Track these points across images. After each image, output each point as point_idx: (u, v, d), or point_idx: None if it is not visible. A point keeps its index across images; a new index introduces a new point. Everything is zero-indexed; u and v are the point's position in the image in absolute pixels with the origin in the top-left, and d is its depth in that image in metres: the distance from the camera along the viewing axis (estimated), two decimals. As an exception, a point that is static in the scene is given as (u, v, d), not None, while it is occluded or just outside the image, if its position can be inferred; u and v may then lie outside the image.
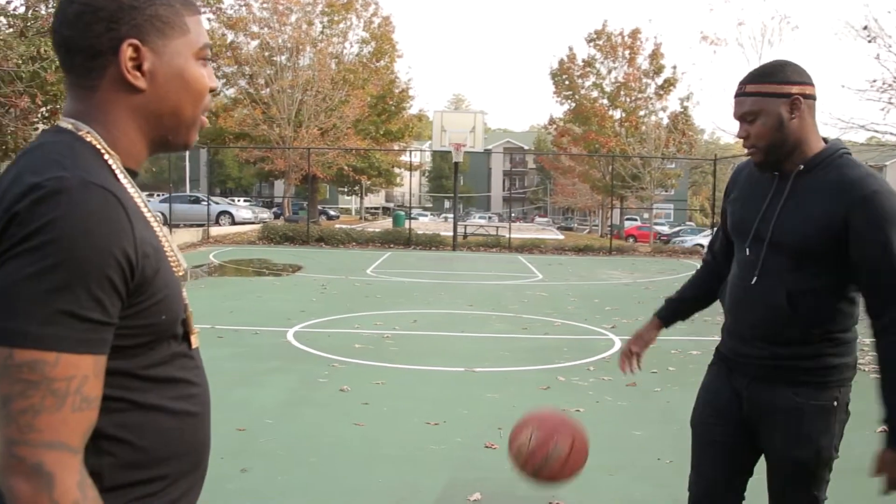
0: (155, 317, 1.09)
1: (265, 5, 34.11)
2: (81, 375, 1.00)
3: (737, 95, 2.24)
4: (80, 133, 1.11)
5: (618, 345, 8.70)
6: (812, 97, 2.20)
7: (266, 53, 34.39)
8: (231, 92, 37.71)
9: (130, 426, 1.10)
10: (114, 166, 1.12)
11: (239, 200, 47.22)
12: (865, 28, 13.68)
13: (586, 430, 2.30)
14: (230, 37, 34.77)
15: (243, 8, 34.25)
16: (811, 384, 2.22)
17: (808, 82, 2.19)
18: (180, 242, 22.41)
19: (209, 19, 33.82)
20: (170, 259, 1.15)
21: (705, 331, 8.25)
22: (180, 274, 1.17)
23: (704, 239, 28.10)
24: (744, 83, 2.22)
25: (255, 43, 34.87)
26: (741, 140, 2.28)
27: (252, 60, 33.96)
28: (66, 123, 1.13)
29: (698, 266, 2.78)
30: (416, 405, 5.94)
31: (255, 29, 34.78)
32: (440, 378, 6.98)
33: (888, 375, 2.13)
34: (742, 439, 2.36)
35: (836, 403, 2.23)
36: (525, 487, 4.30)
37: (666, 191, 42.56)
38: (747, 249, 2.29)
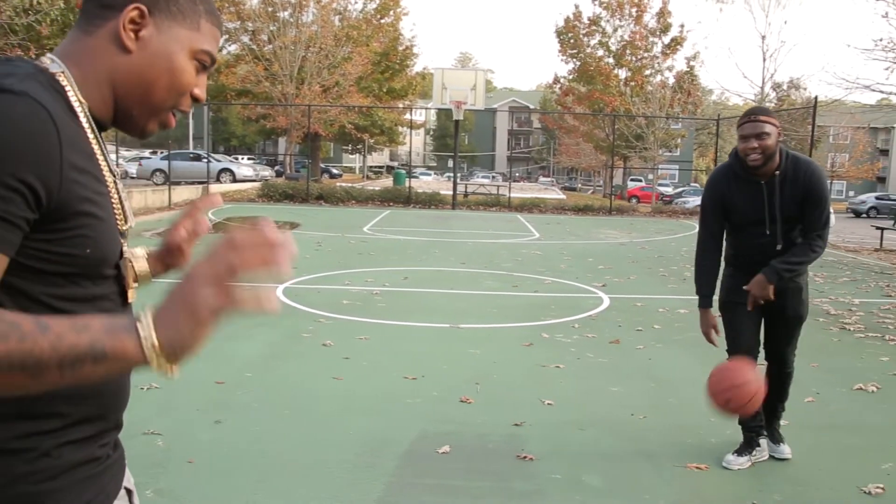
0: (78, 248, 1.07)
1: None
2: None
3: (751, 121, 3.64)
4: (52, 71, 1.12)
5: (606, 303, 8.71)
6: None
7: (269, 9, 34.03)
8: (233, 48, 37.43)
9: None
10: (78, 110, 1.12)
11: (242, 158, 47.02)
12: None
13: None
14: (233, -9, 34.39)
15: (246, -39, 33.87)
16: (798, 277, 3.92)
17: None
18: (179, 199, 22.37)
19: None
20: (115, 209, 1.16)
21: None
22: (124, 228, 1.19)
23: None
24: (756, 114, 3.67)
25: (257, -2, 34.50)
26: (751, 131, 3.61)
27: (255, 16, 33.66)
28: (46, 60, 1.16)
29: (695, 229, 3.64)
30: (396, 360, 5.96)
31: (257, -17, 34.41)
32: (424, 334, 7.00)
33: (794, 259, 3.76)
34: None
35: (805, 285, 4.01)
36: (494, 441, 4.33)
37: (670, 151, 42.26)
38: (767, 230, 3.77)
